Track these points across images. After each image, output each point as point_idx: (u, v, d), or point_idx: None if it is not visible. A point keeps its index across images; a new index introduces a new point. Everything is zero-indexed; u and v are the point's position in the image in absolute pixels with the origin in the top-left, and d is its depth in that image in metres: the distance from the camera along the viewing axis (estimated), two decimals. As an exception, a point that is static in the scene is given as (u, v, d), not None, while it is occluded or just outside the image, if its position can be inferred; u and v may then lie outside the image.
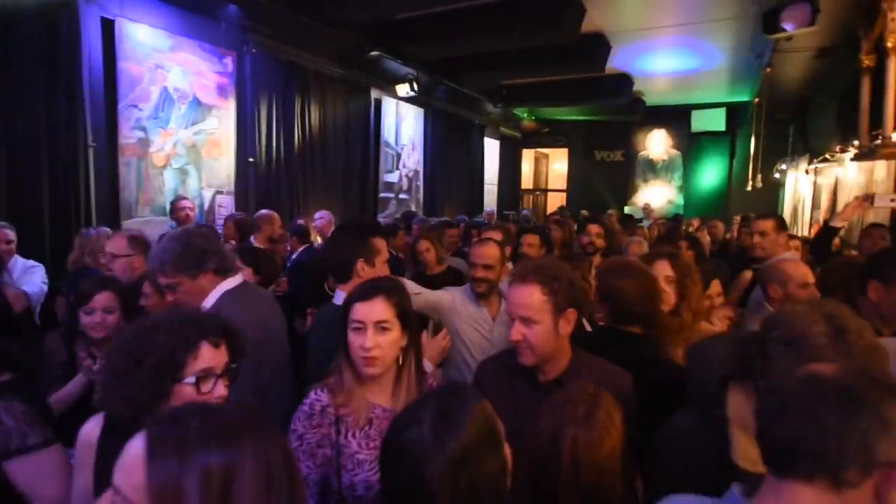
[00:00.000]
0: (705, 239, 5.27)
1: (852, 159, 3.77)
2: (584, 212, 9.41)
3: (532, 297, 1.52)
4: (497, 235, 3.20)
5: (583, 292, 1.62)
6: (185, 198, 5.07)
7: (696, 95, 11.54)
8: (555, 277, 1.54)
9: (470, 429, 0.95)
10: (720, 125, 12.34)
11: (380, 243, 2.03)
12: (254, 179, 6.33)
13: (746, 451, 1.07)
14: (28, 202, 4.15)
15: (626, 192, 13.67)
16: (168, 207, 5.17)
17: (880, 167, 4.40)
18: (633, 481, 1.42)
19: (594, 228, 3.81)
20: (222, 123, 5.93)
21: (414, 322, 1.53)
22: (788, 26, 4.06)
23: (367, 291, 1.48)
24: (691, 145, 13.06)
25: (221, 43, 5.84)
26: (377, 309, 1.45)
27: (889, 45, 2.94)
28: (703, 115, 12.49)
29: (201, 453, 0.74)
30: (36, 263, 3.55)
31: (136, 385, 1.17)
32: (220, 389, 1.25)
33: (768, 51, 6.51)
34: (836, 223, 3.38)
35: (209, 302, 1.93)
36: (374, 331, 1.43)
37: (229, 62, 6.01)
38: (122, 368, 1.19)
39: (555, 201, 15.38)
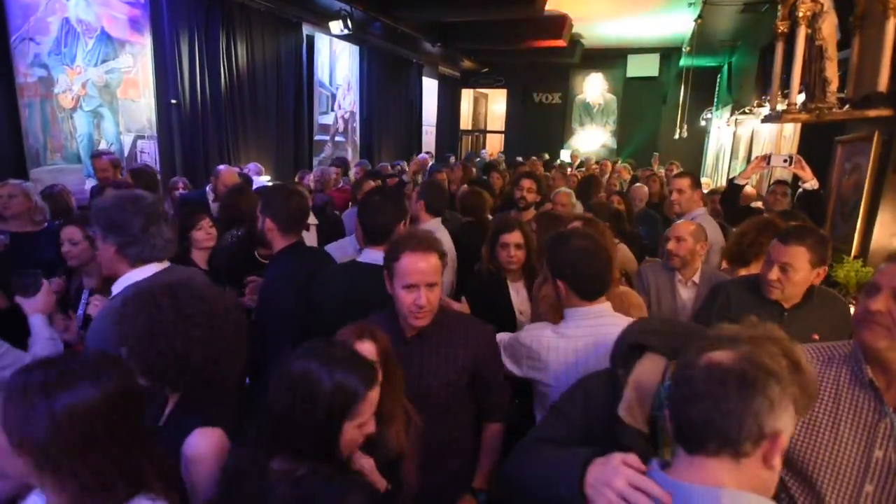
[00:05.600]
0: (642, 191, 5.11)
1: (762, 121, 4.04)
2: (520, 159, 9.53)
3: (436, 263, 1.69)
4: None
5: None
6: (106, 153, 4.54)
7: (632, 40, 11.65)
8: (440, 243, 1.74)
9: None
10: (654, 71, 12.61)
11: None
12: (178, 123, 5.94)
13: (632, 409, 1.24)
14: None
15: (563, 134, 13.89)
16: (83, 155, 4.81)
17: (789, 123, 4.73)
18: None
19: (526, 183, 3.89)
20: (138, 61, 5.47)
21: None
22: (716, -16, 4.16)
23: None
24: (626, 90, 13.32)
25: (130, -31, 5.28)
26: None
27: (800, 14, 3.10)
28: (639, 59, 12.69)
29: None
30: None
31: None
32: None
33: (699, 2, 6.64)
34: (739, 180, 3.65)
35: (116, 288, 1.77)
36: None
37: (141, -9, 5.47)
38: None
39: (493, 143, 15.42)
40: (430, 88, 12.16)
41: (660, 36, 10.95)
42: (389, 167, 7.14)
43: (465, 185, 4.86)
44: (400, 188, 5.11)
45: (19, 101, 4.40)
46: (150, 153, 5.66)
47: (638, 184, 5.29)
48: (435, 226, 3.22)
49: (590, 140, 13.67)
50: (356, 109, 9.60)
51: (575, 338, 1.77)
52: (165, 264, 1.82)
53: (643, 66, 12.69)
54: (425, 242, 1.70)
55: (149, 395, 1.34)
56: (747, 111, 6.40)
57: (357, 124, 9.68)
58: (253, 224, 3.00)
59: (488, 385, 1.81)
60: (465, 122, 15.35)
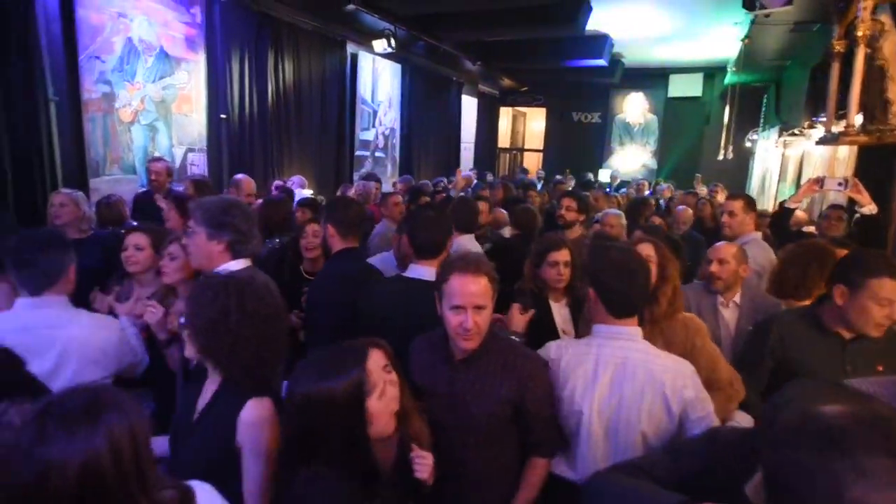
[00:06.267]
0: (687, 214, 4.94)
1: (817, 143, 3.90)
2: (559, 177, 9.47)
3: (486, 286, 1.65)
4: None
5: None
6: (159, 158, 4.76)
7: (675, 59, 11.50)
8: (491, 266, 1.70)
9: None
10: (697, 91, 12.39)
11: None
12: (227, 137, 6.16)
13: (758, 490, 1.09)
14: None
15: (602, 154, 13.74)
16: (138, 166, 5.03)
17: (843, 146, 4.56)
18: None
19: (566, 202, 3.85)
20: (192, 78, 5.72)
21: None
22: (767, 4, 4.08)
23: None
24: (668, 109, 13.11)
25: (188, -9, 5.55)
26: None
27: (859, 34, 3.00)
28: (681, 79, 12.49)
29: None
30: None
31: None
32: None
33: (747, 21, 6.52)
34: (791, 204, 3.52)
35: None
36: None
37: (197, 12, 5.73)
38: None
39: (531, 161, 15.38)
40: (469, 106, 12.27)
41: (703, 56, 10.77)
42: (431, 185, 7.18)
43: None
44: (446, 203, 5.15)
45: (83, 116, 4.65)
46: (199, 166, 5.88)
47: (682, 206, 5.15)
48: (466, 241, 3.23)
49: (630, 160, 13.49)
50: (396, 126, 9.76)
51: (593, 356, 1.69)
52: (249, 261, 2.03)
53: (686, 86, 12.49)
54: (474, 264, 1.65)
55: (197, 367, 1.55)
56: (797, 132, 6.21)
57: (397, 140, 9.83)
58: (294, 236, 3.09)
59: (534, 418, 1.70)
60: (504, 139, 15.38)
